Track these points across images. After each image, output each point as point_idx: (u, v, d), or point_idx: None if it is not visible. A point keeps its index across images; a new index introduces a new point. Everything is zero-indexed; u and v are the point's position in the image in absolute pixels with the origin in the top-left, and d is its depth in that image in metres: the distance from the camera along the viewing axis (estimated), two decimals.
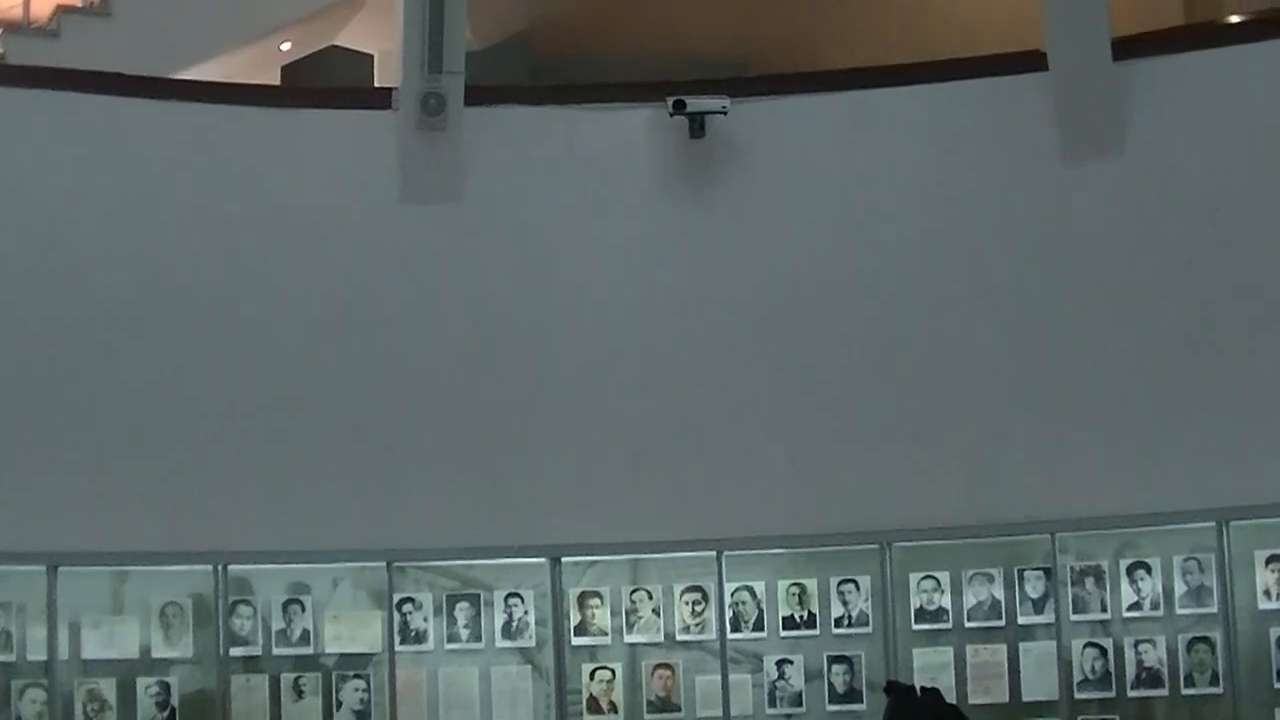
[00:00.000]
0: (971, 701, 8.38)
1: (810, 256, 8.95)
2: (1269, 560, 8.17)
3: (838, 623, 8.72)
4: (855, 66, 9.43)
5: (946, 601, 8.63)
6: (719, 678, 8.64)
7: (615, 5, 14.80)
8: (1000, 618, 8.57)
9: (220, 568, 8.36)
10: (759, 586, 8.78)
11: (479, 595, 8.76)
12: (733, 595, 8.73)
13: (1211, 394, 8.38)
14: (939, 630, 8.64)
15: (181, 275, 8.68)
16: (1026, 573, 8.56)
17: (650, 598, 8.80)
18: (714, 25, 15.29)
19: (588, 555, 8.76)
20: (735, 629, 8.71)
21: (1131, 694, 8.38)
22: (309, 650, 8.57)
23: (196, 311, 8.67)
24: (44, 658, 8.11)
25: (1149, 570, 8.40)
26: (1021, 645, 8.53)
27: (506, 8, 13.06)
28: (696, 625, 8.78)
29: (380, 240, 8.92)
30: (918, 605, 8.64)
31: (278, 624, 8.59)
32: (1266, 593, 8.18)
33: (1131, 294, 8.57)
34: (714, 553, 8.65)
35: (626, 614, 8.79)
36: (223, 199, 8.78)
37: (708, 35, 15.26)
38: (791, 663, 8.73)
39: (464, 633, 8.73)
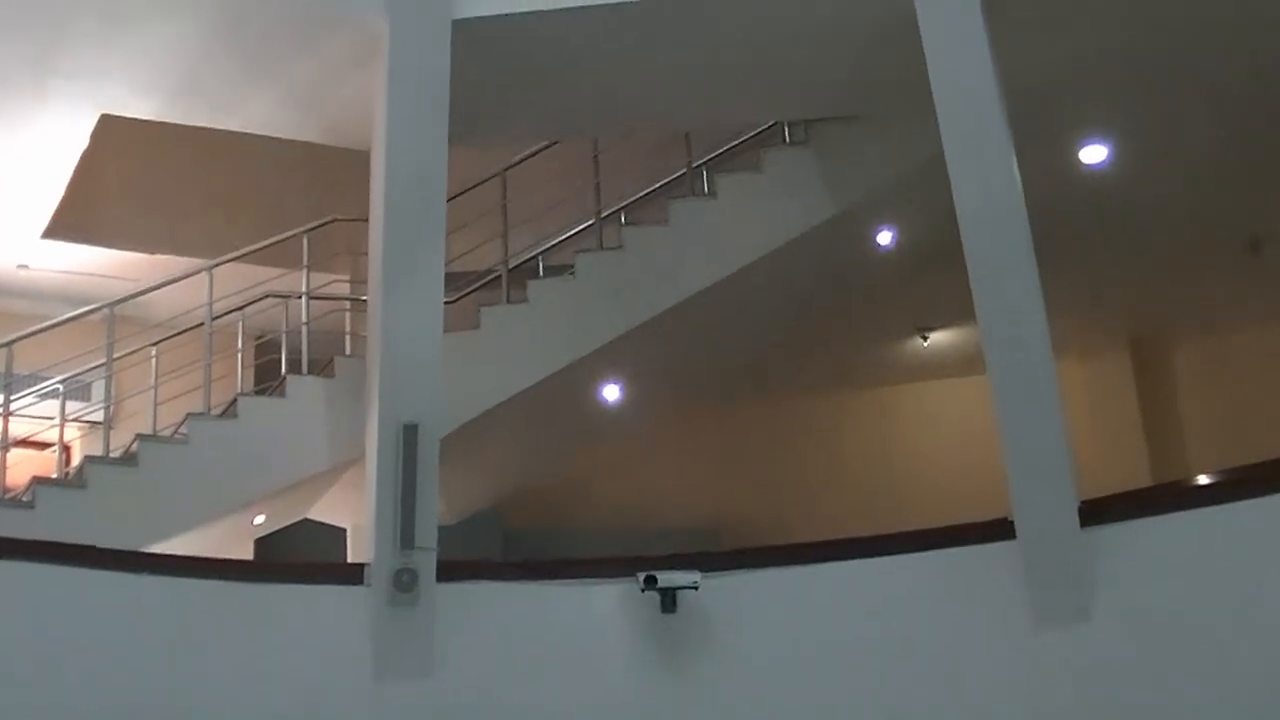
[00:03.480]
0: None
1: None
2: None
3: None
4: (825, 539, 9.50)
5: None
6: None
7: (587, 479, 15.08)
8: None
9: None
10: None
11: None
12: None
13: None
14: None
15: None
16: None
17: None
18: (685, 498, 15.55)
19: None
20: None
21: None
22: None
23: None
24: None
25: None
26: None
27: (479, 483, 13.26)
28: None
29: (353, 717, 8.79)
30: None
31: None
32: None
33: None
34: None
35: None
36: (194, 672, 8.67)
37: (679, 507, 15.49)
38: None
39: None
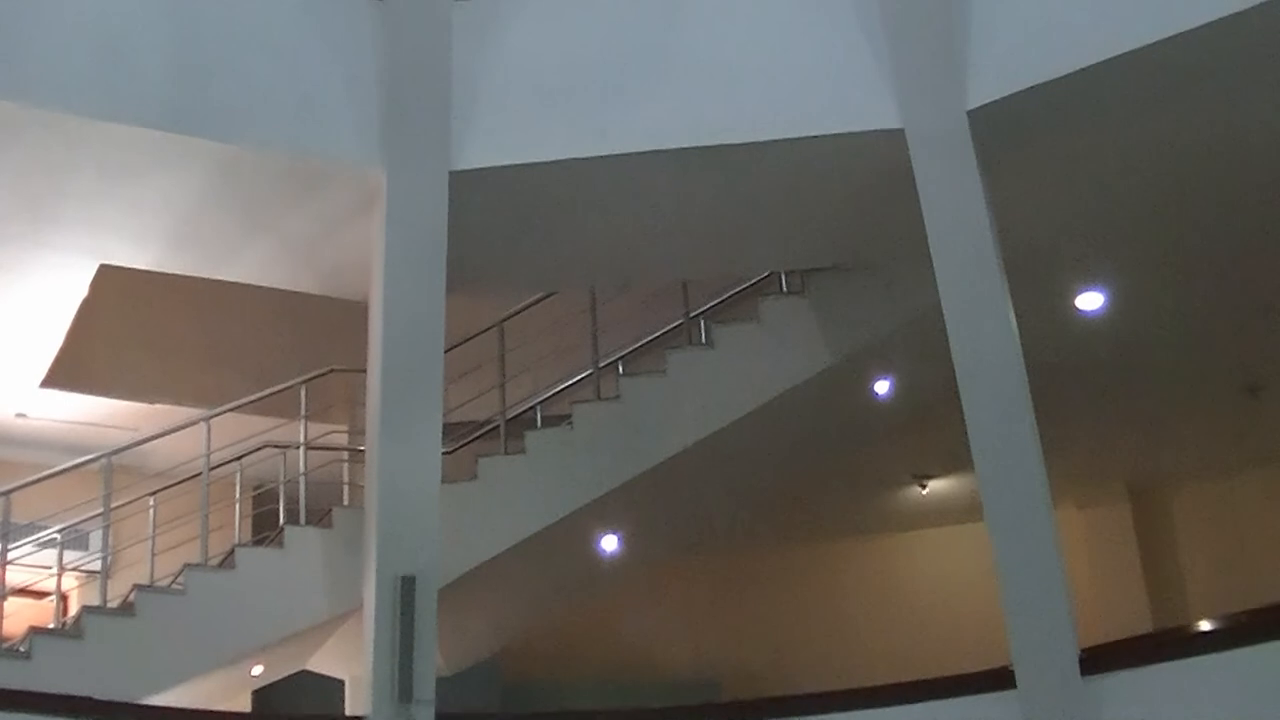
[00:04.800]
0: None
1: None
2: None
3: None
4: (825, 690, 9.42)
5: None
6: None
7: (586, 630, 14.99)
8: None
9: None
10: None
11: None
12: None
13: None
14: None
15: None
16: None
17: None
18: (685, 648, 15.45)
19: None
20: None
21: None
22: None
23: None
24: None
25: None
26: None
27: (477, 634, 13.17)
28: None
29: None
30: None
31: None
32: None
33: None
34: None
35: None
36: None
37: (679, 658, 15.40)
38: None
39: None
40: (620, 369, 12.45)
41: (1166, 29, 8.45)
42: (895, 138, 9.08)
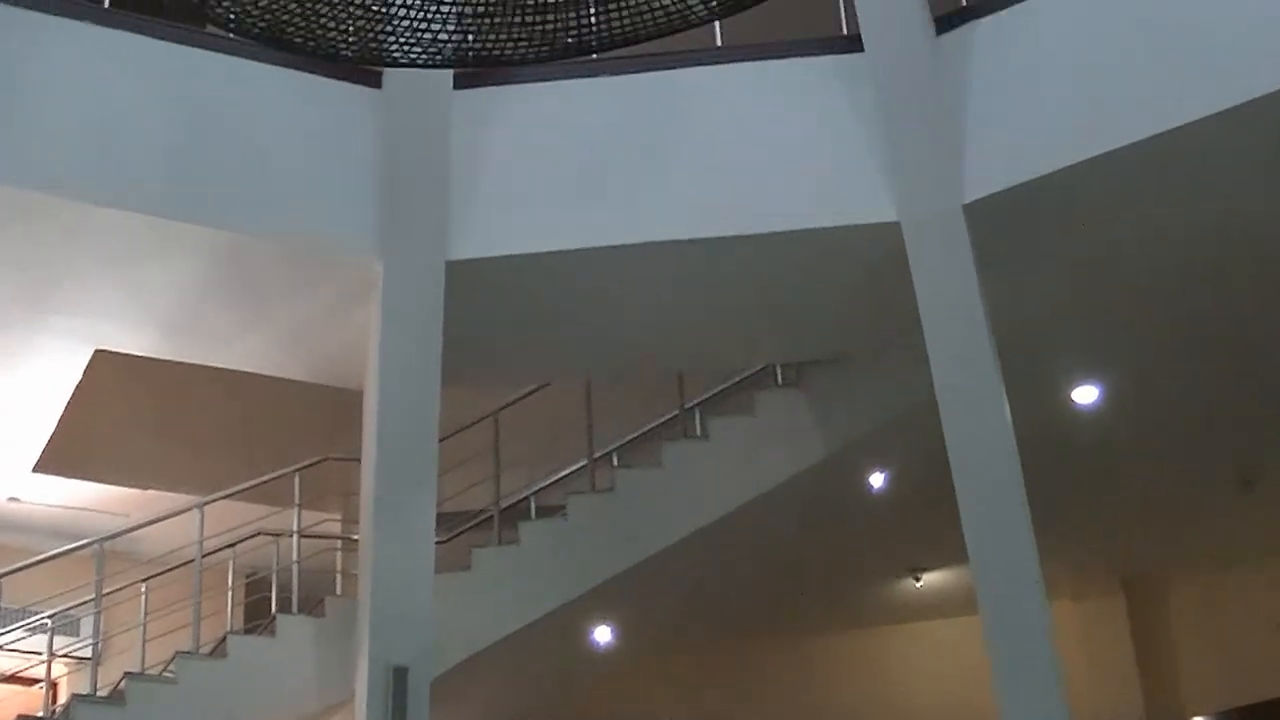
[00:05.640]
0: None
1: None
2: None
3: None
4: None
5: None
6: None
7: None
8: None
9: None
10: None
11: None
12: None
13: None
14: None
15: None
16: None
17: None
18: None
19: None
20: None
21: None
22: None
23: None
24: None
25: None
26: None
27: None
28: None
29: None
30: None
31: None
32: None
33: None
34: None
35: None
36: None
37: None
38: None
39: None
40: (615, 460, 12.44)
41: (1159, 125, 8.54)
42: (891, 231, 9.14)
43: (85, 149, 8.86)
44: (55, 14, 8.95)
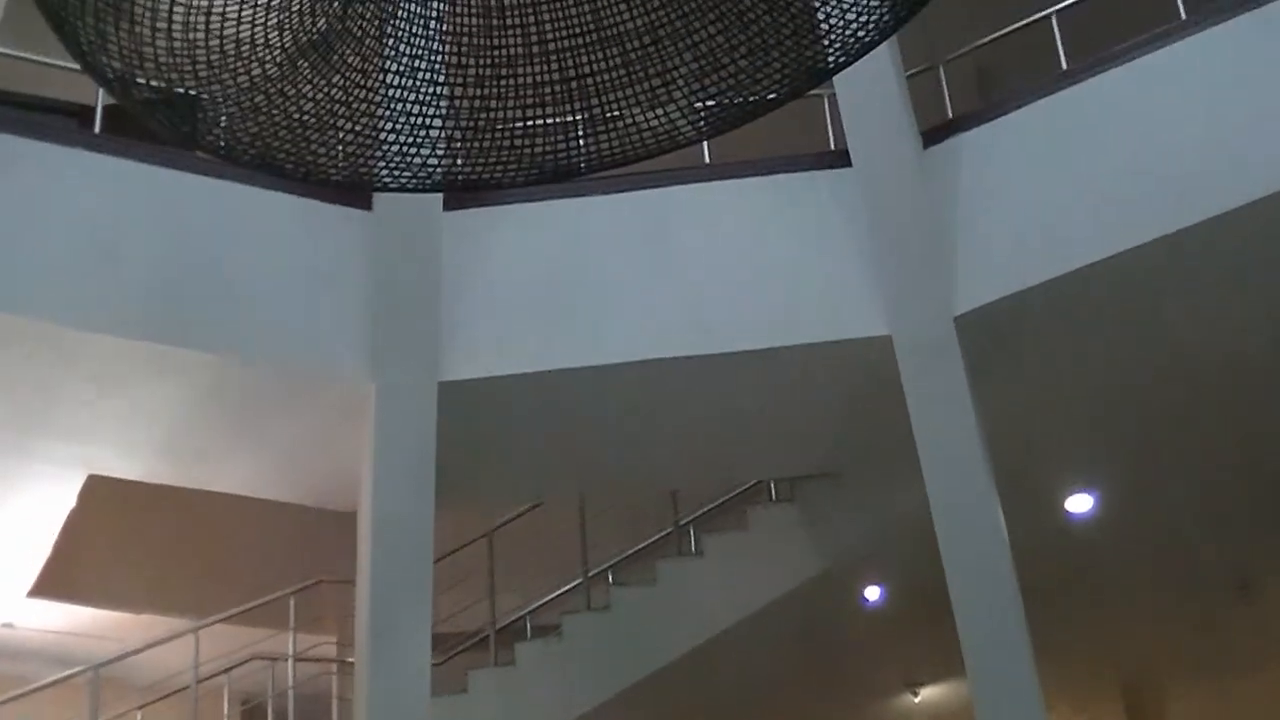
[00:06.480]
0: None
1: None
2: None
3: None
4: None
5: None
6: None
7: None
8: None
9: None
10: None
11: None
12: None
13: None
14: None
15: None
16: None
17: None
18: None
19: None
20: None
21: None
22: None
23: None
24: None
25: None
26: None
27: None
28: None
29: None
30: None
31: None
32: None
33: None
34: None
35: None
36: None
37: None
38: None
39: None
40: (610, 578, 12.39)
41: (1148, 234, 8.61)
42: (883, 344, 9.17)
43: (77, 273, 8.88)
44: (47, 139, 9.02)
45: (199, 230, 9.37)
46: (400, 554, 9.24)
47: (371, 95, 3.66)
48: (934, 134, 9.52)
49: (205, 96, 3.53)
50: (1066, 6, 9.90)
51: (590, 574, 12.21)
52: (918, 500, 9.11)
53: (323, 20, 3.53)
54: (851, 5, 3.42)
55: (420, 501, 9.26)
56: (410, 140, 3.67)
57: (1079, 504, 11.67)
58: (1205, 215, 8.45)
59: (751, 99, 3.61)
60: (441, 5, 3.61)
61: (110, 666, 11.88)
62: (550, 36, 3.65)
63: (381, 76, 3.66)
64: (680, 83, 3.64)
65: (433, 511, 9.30)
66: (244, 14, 3.41)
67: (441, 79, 3.66)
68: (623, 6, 3.59)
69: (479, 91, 3.70)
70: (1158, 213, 8.62)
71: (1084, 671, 14.66)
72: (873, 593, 12.15)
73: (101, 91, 9.18)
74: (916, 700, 15.03)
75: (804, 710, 14.45)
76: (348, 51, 3.58)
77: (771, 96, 3.59)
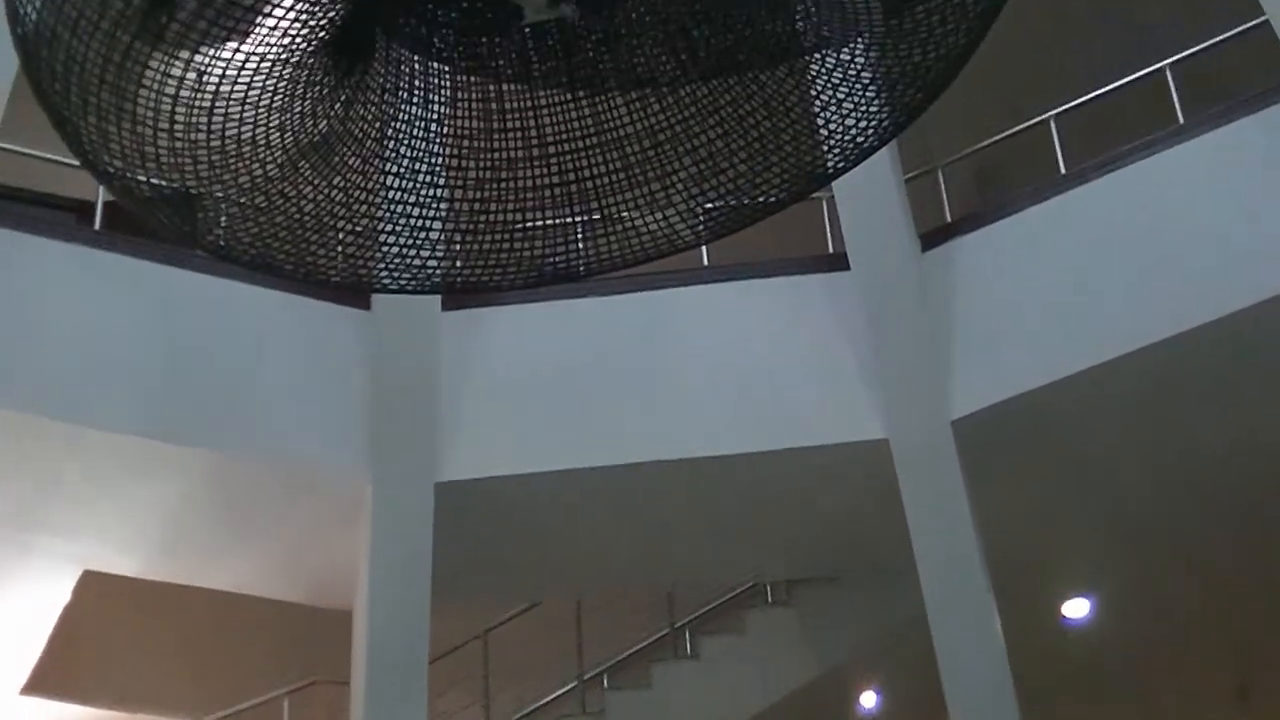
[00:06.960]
0: None
1: None
2: None
3: None
4: None
5: None
6: None
7: None
8: None
9: None
10: None
11: None
12: None
13: None
14: None
15: None
16: None
17: None
18: None
19: None
20: None
21: None
22: None
23: None
24: None
25: None
26: None
27: None
28: None
29: None
30: None
31: None
32: None
33: None
34: None
35: None
36: None
37: None
38: None
39: None
40: (605, 681, 12.27)
41: (1142, 339, 8.63)
42: (880, 448, 9.16)
43: (75, 369, 8.90)
44: (46, 235, 9.06)
45: (197, 328, 9.39)
46: (396, 654, 9.18)
47: (371, 197, 3.67)
48: (932, 237, 9.57)
49: (206, 196, 3.54)
50: (1064, 110, 9.97)
51: (585, 677, 12.10)
52: (915, 604, 9.06)
53: (324, 121, 3.54)
54: (851, 110, 3.44)
55: (416, 602, 9.21)
56: (409, 242, 3.67)
57: (1076, 609, 11.62)
58: (1203, 320, 8.48)
59: (750, 202, 3.62)
60: (443, 109, 3.63)
61: None
62: (550, 139, 3.66)
63: (381, 178, 3.67)
64: (680, 186, 3.65)
65: (428, 611, 9.25)
66: (246, 114, 3.43)
67: (441, 182, 3.67)
68: (623, 110, 3.60)
69: (479, 193, 3.71)
70: (1156, 318, 8.65)
71: None
72: (869, 698, 12.05)
73: (102, 188, 9.24)
74: None
75: None
76: (348, 153, 3.59)
77: (771, 200, 3.60)
